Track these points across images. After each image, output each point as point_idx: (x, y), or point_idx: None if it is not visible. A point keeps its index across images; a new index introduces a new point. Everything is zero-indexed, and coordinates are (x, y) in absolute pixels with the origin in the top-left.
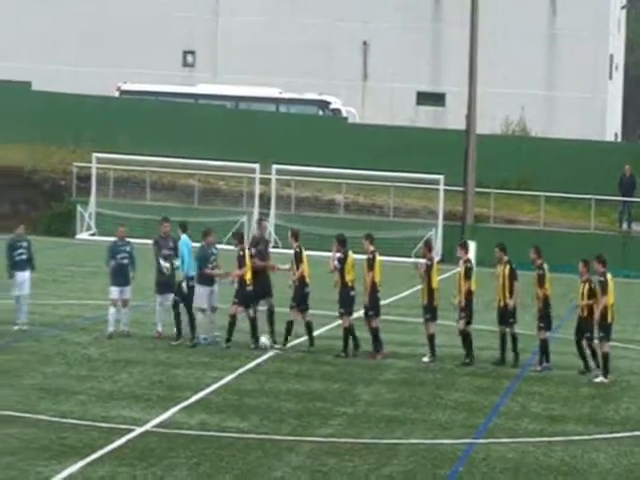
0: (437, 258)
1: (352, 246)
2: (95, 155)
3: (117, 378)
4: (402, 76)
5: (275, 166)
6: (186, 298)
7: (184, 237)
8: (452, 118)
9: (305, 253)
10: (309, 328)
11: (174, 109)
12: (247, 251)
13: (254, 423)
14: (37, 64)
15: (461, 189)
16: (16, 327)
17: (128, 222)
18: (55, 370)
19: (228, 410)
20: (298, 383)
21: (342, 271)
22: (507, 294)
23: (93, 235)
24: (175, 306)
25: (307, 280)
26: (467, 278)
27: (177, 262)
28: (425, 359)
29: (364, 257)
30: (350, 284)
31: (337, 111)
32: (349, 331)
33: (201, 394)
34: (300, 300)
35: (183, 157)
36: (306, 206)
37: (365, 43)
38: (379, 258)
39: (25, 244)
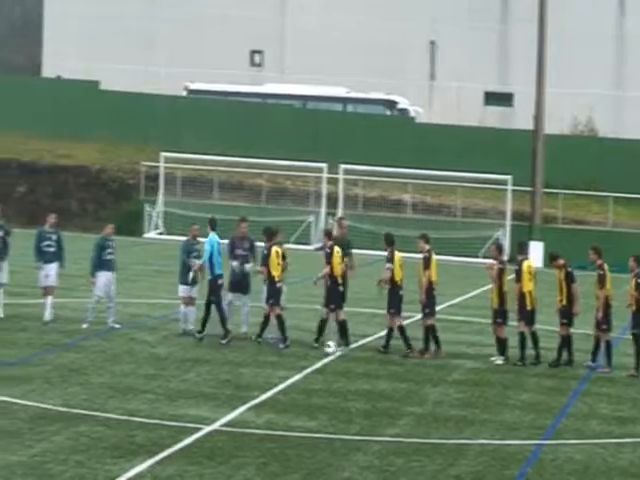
0: (505, 258)
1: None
2: (163, 154)
3: (185, 377)
4: (469, 76)
5: (343, 166)
6: (216, 296)
7: (212, 235)
8: (520, 118)
9: (337, 250)
10: (343, 327)
11: (242, 109)
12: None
13: (322, 423)
14: (105, 64)
15: (529, 189)
16: (85, 325)
17: (196, 221)
18: (124, 369)
19: (296, 409)
20: (366, 383)
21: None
22: (563, 297)
23: (161, 234)
24: (208, 306)
25: (339, 279)
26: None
27: (249, 265)
28: (499, 361)
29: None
30: (399, 283)
31: (404, 111)
32: (401, 330)
33: (269, 393)
34: (334, 299)
35: (251, 157)
36: (373, 206)
37: (432, 43)
38: (434, 257)
39: (113, 244)
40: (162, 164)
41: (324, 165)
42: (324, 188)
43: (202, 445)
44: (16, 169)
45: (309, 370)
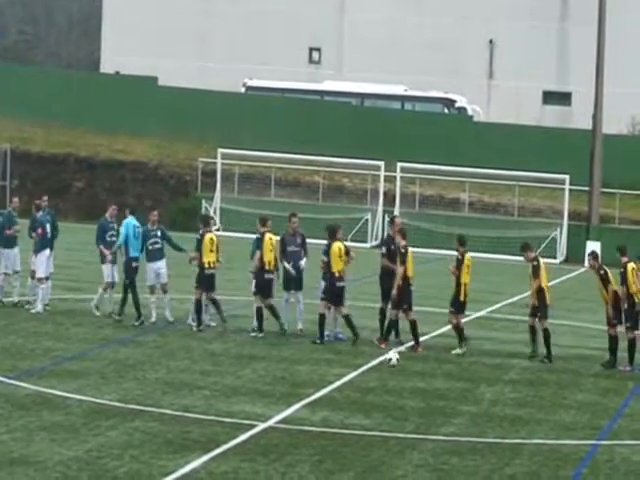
0: (562, 258)
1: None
2: (220, 151)
3: (240, 373)
4: (528, 75)
5: (400, 164)
6: (132, 278)
7: (130, 219)
8: (578, 118)
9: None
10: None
11: (299, 106)
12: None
13: (377, 421)
14: (163, 59)
15: (587, 189)
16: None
17: (252, 218)
18: (179, 364)
19: (351, 407)
20: (421, 381)
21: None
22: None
23: (218, 230)
24: (126, 289)
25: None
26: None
27: (303, 262)
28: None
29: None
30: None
31: (462, 109)
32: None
33: (324, 391)
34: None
35: (308, 154)
36: (430, 204)
37: (491, 41)
38: (410, 253)
39: (159, 233)
40: (219, 160)
41: (381, 163)
42: (381, 186)
43: (257, 442)
44: (74, 164)
45: (365, 368)
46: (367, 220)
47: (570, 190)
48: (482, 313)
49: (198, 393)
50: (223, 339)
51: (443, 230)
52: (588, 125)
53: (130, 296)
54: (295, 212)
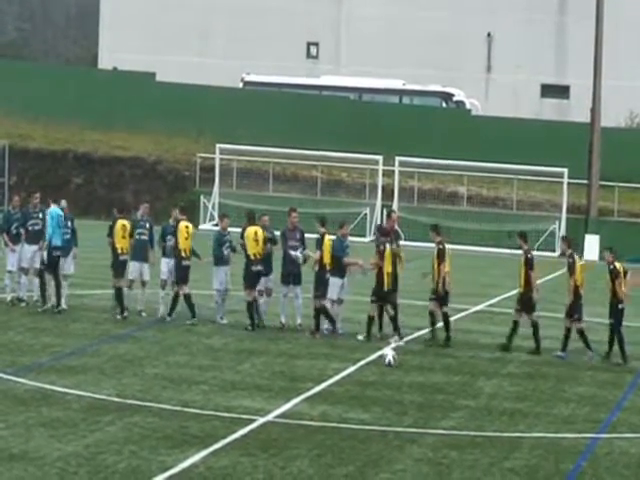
0: (560, 251)
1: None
2: (219, 146)
3: (239, 368)
4: (526, 68)
5: (398, 158)
6: (52, 267)
7: (54, 208)
8: (576, 111)
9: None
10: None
11: (297, 101)
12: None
13: (376, 415)
14: (161, 55)
15: (585, 182)
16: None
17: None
18: (178, 360)
19: (350, 401)
20: (420, 375)
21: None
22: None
23: (216, 226)
24: (41, 275)
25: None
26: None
27: (298, 252)
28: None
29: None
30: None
31: (460, 103)
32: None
33: (323, 385)
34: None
35: (306, 149)
36: (429, 198)
37: (489, 35)
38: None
39: (148, 225)
40: (218, 156)
41: (380, 157)
42: (379, 180)
43: (256, 436)
44: (72, 160)
45: (363, 362)
46: (366, 215)
47: (568, 183)
48: (480, 307)
49: (197, 388)
50: (221, 334)
51: (442, 224)
52: (586, 118)
53: (39, 281)
54: (295, 207)
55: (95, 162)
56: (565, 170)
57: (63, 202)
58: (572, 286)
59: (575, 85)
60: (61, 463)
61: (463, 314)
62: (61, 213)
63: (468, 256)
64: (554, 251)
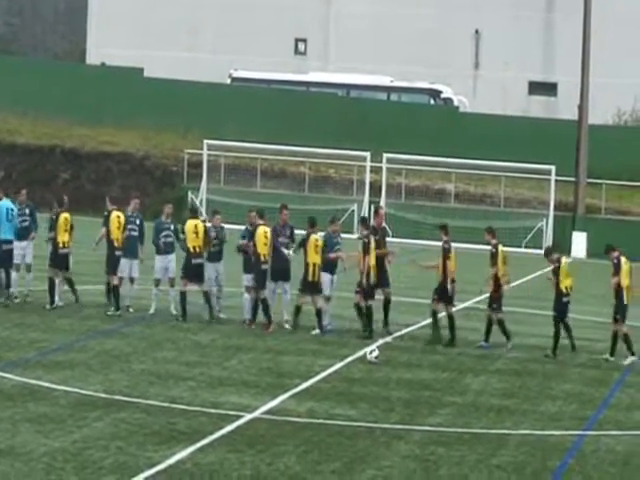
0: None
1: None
2: (206, 142)
3: (227, 364)
4: (514, 65)
5: (386, 155)
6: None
7: (4, 201)
8: (564, 108)
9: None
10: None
11: (285, 97)
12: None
13: (363, 411)
14: (149, 51)
15: (573, 180)
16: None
17: (239, 209)
18: (165, 356)
19: (337, 398)
20: (407, 372)
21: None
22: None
23: (204, 222)
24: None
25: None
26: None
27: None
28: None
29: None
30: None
31: (448, 100)
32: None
33: (310, 382)
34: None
35: (294, 145)
36: (416, 195)
37: (477, 32)
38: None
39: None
40: (205, 151)
41: (367, 154)
42: (367, 177)
43: (243, 433)
44: (60, 155)
45: (350, 359)
46: (353, 211)
47: (556, 181)
48: (468, 304)
49: (184, 384)
50: (209, 330)
51: (429, 221)
52: (574, 116)
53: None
54: (286, 204)
55: (83, 157)
56: (553, 167)
57: (23, 192)
58: (492, 276)
59: (563, 82)
60: (48, 459)
61: (453, 310)
62: (11, 206)
63: (455, 253)
64: (541, 248)
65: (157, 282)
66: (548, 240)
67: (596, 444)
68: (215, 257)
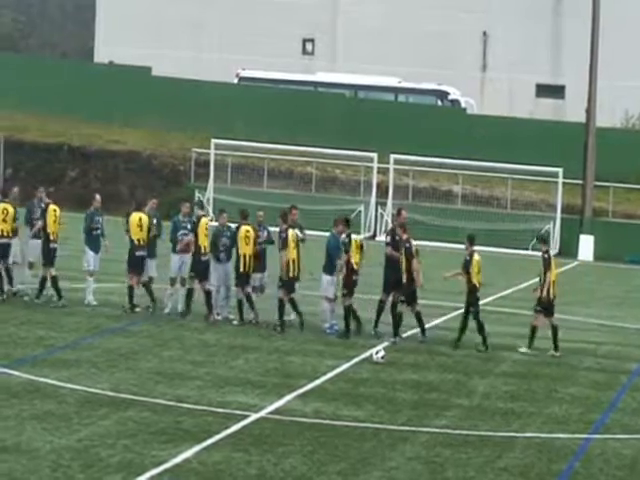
0: (555, 251)
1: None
2: (214, 141)
3: (233, 364)
4: (521, 67)
5: (393, 156)
6: None
7: None
8: (571, 111)
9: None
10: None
11: (293, 97)
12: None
13: (369, 412)
14: (157, 50)
15: (580, 182)
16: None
17: (245, 208)
18: (172, 354)
19: (343, 398)
20: (414, 373)
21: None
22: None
23: (211, 221)
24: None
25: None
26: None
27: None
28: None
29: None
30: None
31: (456, 102)
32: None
33: (316, 382)
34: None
35: (301, 145)
36: (423, 196)
37: (485, 34)
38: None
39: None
40: (212, 151)
41: (374, 155)
42: (374, 178)
43: (249, 432)
44: (67, 154)
45: (357, 359)
46: (360, 212)
47: (563, 183)
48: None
49: (191, 383)
50: (215, 329)
51: (436, 222)
52: (581, 118)
53: None
54: (296, 205)
55: (90, 156)
56: (560, 170)
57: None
58: (406, 271)
59: (570, 85)
60: (54, 456)
61: (457, 313)
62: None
63: (462, 255)
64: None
65: (173, 281)
66: (555, 243)
67: (602, 448)
68: (225, 258)
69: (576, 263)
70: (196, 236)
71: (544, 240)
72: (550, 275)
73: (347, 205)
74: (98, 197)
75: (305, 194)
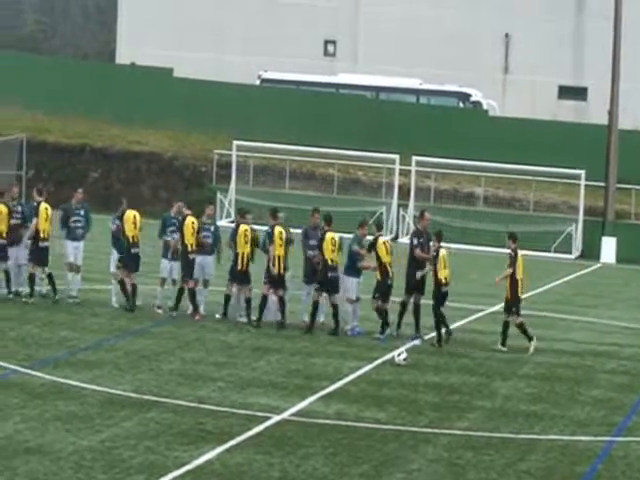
0: (577, 253)
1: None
2: (235, 143)
3: (255, 365)
4: (544, 69)
5: (415, 158)
6: None
7: None
8: (594, 113)
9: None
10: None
11: (314, 98)
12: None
13: (391, 414)
14: (179, 51)
15: (602, 185)
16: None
17: (267, 210)
18: (194, 356)
19: (365, 400)
20: (436, 375)
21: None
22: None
23: (232, 222)
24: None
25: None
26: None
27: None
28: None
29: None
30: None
31: (477, 103)
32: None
33: (339, 384)
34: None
35: (323, 146)
36: (445, 198)
37: (507, 35)
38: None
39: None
40: (234, 152)
41: (396, 156)
42: (396, 179)
43: (271, 434)
44: (89, 155)
45: (379, 361)
46: (382, 213)
47: (586, 185)
48: (496, 308)
49: (213, 385)
50: (238, 331)
51: (458, 224)
52: (604, 120)
53: None
54: (318, 207)
55: (112, 157)
56: (582, 172)
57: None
58: (379, 268)
59: (593, 87)
60: (76, 457)
61: (480, 315)
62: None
63: (484, 257)
64: (571, 253)
65: (195, 282)
66: (577, 245)
67: (625, 450)
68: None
69: (599, 265)
70: (182, 235)
71: (514, 238)
72: (512, 271)
73: (369, 207)
74: (124, 200)
75: (327, 195)
